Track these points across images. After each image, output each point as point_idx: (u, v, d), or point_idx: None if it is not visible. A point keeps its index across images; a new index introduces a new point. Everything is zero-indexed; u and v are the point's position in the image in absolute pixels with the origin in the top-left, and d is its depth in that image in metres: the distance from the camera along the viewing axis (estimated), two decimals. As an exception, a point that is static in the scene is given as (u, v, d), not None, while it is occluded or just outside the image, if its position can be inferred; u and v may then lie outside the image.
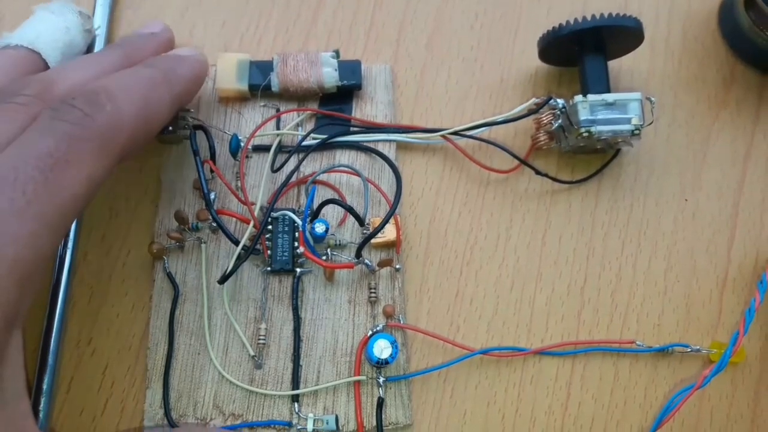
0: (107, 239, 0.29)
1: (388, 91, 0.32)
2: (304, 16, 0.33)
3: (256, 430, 0.27)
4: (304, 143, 0.30)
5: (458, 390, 0.28)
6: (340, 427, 0.27)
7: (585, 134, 0.28)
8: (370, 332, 0.27)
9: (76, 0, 0.30)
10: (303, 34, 0.33)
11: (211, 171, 0.28)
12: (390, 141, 0.31)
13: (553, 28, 0.29)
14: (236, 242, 0.27)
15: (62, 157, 0.20)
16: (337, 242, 0.29)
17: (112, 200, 0.30)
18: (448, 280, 0.30)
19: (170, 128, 0.28)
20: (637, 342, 0.29)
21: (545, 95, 0.30)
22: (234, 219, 0.29)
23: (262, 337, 0.27)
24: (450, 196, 0.31)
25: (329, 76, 0.30)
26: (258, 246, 0.28)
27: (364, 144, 0.30)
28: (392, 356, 0.26)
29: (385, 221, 0.27)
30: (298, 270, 0.28)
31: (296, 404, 0.27)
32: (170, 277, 0.28)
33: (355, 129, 0.31)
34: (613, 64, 0.31)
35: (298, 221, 0.27)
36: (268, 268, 0.28)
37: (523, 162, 0.30)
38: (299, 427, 0.26)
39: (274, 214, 0.28)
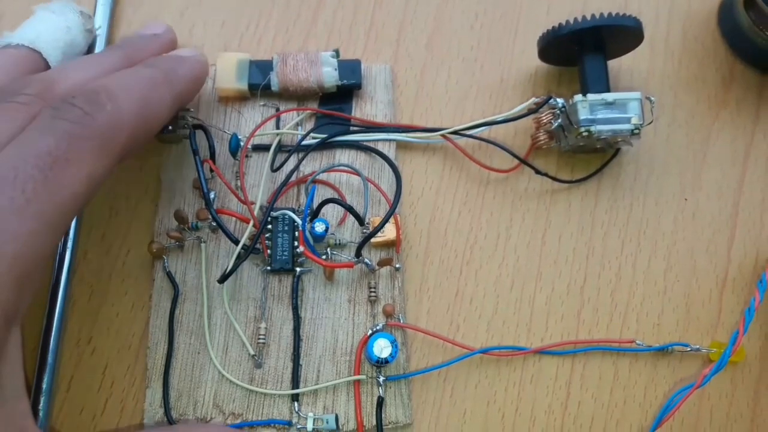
0: (107, 238, 0.29)
1: (388, 90, 0.32)
2: (304, 15, 0.33)
3: (256, 430, 0.27)
4: (303, 142, 0.30)
5: (458, 389, 0.28)
6: (340, 427, 0.27)
7: (585, 134, 0.28)
8: (370, 331, 0.27)
9: (77, 0, 0.30)
10: (303, 33, 0.33)
11: (211, 170, 0.28)
12: (390, 140, 0.31)
13: (553, 27, 0.29)
14: (236, 241, 0.27)
15: (62, 156, 0.20)
16: (337, 241, 0.29)
17: (113, 199, 0.30)
18: (447, 280, 0.30)
19: (170, 128, 0.28)
20: (637, 341, 0.29)
21: (545, 95, 0.30)
22: (234, 218, 0.29)
23: (261, 337, 0.27)
24: (450, 195, 0.31)
25: (329, 75, 0.30)
26: (258, 245, 0.28)
27: (364, 143, 0.30)
28: (392, 355, 0.26)
29: (385, 220, 0.27)
30: (298, 269, 0.28)
31: (296, 403, 0.27)
32: (170, 277, 0.28)
33: (355, 128, 0.31)
34: (612, 64, 0.31)
35: (298, 220, 0.27)
36: (268, 268, 0.28)
37: (523, 161, 0.30)
38: (299, 426, 0.26)
39: (274, 214, 0.28)
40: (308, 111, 0.31)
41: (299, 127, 0.31)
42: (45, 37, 0.27)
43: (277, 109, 0.31)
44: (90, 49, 0.30)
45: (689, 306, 0.30)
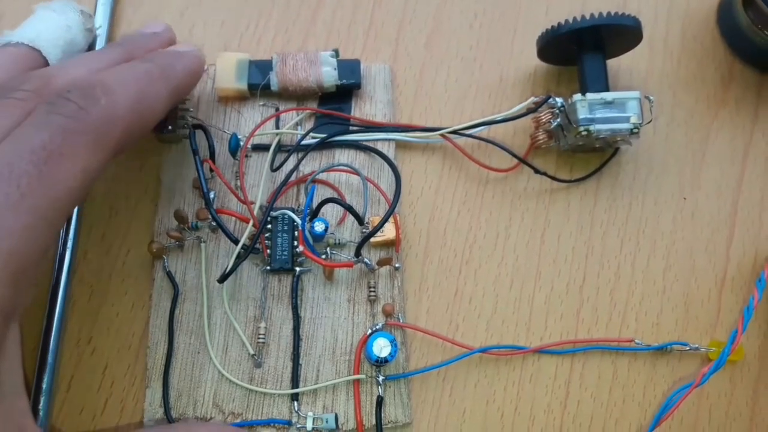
0: (107, 238, 0.29)
1: (388, 90, 0.32)
2: (304, 15, 0.33)
3: (256, 429, 0.27)
4: (303, 142, 0.30)
5: (457, 388, 0.28)
6: (340, 426, 0.27)
7: (584, 133, 0.28)
8: (370, 331, 0.28)
9: (77, -1, 0.30)
10: (302, 33, 0.33)
11: (211, 170, 0.28)
12: (389, 140, 0.31)
13: (552, 27, 0.29)
14: (236, 241, 0.27)
15: (56, 150, 0.20)
16: (337, 241, 0.29)
17: (112, 199, 0.30)
18: (447, 279, 0.30)
19: (170, 127, 0.28)
20: (636, 340, 0.29)
21: (544, 94, 0.30)
22: (233, 218, 0.29)
23: (261, 336, 0.27)
24: (449, 194, 0.31)
25: (328, 75, 0.30)
26: (257, 245, 0.28)
27: (364, 143, 0.30)
28: (391, 355, 0.26)
29: (385, 220, 0.27)
30: (298, 269, 0.28)
31: (296, 403, 0.27)
32: (170, 276, 0.28)
33: (355, 128, 0.31)
34: (611, 63, 0.31)
35: (298, 220, 0.27)
36: (268, 267, 0.28)
37: (522, 161, 0.30)
38: (299, 425, 0.26)
39: (274, 213, 0.28)
40: (308, 111, 0.31)
41: (299, 127, 0.31)
42: (45, 36, 0.27)
43: (277, 109, 0.31)
44: (90, 48, 0.30)
45: (688, 305, 0.30)
